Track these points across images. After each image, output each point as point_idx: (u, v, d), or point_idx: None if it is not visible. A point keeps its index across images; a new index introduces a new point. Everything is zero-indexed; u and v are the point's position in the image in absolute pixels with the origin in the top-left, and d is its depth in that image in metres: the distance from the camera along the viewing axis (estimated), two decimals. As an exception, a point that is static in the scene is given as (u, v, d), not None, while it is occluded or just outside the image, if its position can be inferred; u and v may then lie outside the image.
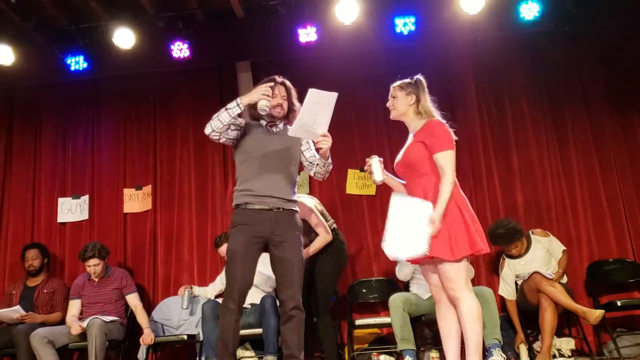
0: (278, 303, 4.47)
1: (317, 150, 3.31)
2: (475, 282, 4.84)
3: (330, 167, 3.41)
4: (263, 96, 3.19)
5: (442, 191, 2.93)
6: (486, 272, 5.21)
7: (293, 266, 3.30)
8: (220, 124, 3.22)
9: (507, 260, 4.78)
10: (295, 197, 3.41)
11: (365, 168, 3.28)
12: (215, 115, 3.24)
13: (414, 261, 3.15)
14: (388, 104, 3.25)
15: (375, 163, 3.22)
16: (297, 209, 3.42)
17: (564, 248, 4.76)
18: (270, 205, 3.28)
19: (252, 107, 3.36)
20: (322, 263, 4.22)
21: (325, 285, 4.23)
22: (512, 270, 4.74)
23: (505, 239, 4.65)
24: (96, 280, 4.92)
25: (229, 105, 3.21)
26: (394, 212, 3.01)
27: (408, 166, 3.12)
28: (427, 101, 3.17)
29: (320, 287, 4.25)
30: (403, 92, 3.18)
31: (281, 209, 3.31)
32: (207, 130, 3.26)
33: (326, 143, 3.23)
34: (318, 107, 3.11)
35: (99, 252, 4.87)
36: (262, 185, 3.29)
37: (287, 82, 3.49)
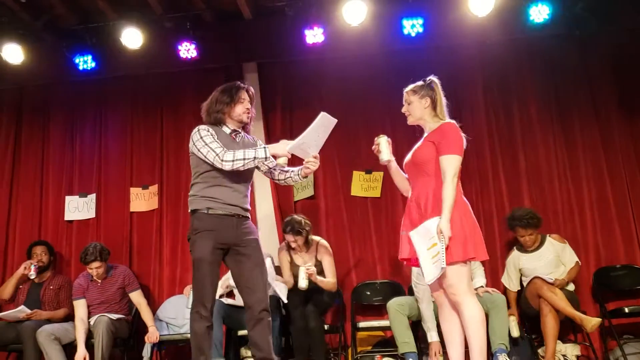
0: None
1: (304, 169, 3.35)
2: (495, 286, 4.83)
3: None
4: (287, 154, 3.23)
5: (444, 198, 2.90)
6: (492, 275, 5.17)
7: (259, 270, 3.34)
8: (243, 168, 3.25)
9: (514, 252, 4.79)
10: (248, 206, 3.45)
11: (373, 147, 3.26)
12: (239, 157, 3.20)
13: (413, 263, 3.15)
14: (403, 110, 3.20)
15: (383, 142, 3.21)
16: (249, 215, 3.46)
17: (577, 260, 4.73)
18: (232, 212, 3.32)
19: (218, 111, 3.39)
20: (319, 296, 4.61)
21: (320, 310, 4.57)
22: (515, 264, 4.76)
23: (521, 220, 4.66)
24: (99, 281, 4.92)
25: (258, 155, 3.20)
26: (417, 247, 2.97)
27: (415, 165, 3.10)
28: (443, 103, 3.14)
29: (314, 308, 4.51)
30: (417, 96, 3.13)
31: (240, 216, 3.35)
32: (227, 167, 3.22)
33: (315, 165, 3.30)
34: (320, 130, 3.16)
35: (100, 255, 4.83)
36: (225, 193, 3.31)
37: (251, 89, 3.53)
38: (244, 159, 3.21)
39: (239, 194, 3.36)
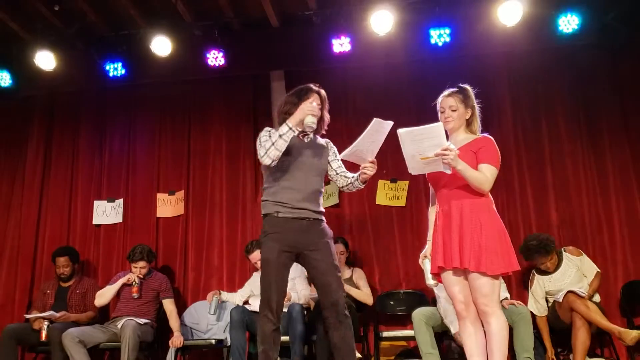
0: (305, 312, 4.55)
1: (362, 174, 3.30)
2: (519, 299, 4.75)
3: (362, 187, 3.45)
4: (310, 112, 3.19)
5: (474, 171, 2.93)
6: (517, 287, 5.11)
7: (330, 272, 3.30)
8: (279, 152, 3.20)
9: (537, 276, 4.69)
10: (323, 209, 3.43)
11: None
12: (269, 146, 3.18)
13: (438, 272, 3.13)
14: (446, 116, 3.14)
15: (427, 266, 3.18)
16: (324, 218, 3.43)
17: (598, 270, 4.63)
18: (301, 215, 3.30)
19: (286, 112, 3.37)
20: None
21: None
22: (541, 287, 4.66)
23: (539, 250, 4.55)
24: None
25: (281, 132, 3.17)
26: (407, 143, 2.94)
27: (454, 173, 3.01)
28: (477, 115, 3.16)
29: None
30: (463, 106, 3.12)
31: (311, 219, 3.33)
32: (267, 161, 3.22)
33: (372, 170, 3.24)
34: (374, 135, 3.10)
35: (147, 256, 5.06)
36: (293, 196, 3.30)
37: (323, 92, 3.49)
38: (273, 143, 3.18)
39: (308, 194, 3.32)
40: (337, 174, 3.49)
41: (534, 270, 4.75)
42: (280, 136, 3.18)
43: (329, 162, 3.49)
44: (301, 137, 3.42)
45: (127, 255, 5.13)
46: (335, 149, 3.56)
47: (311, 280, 3.44)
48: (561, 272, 4.61)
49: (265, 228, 3.34)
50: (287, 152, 3.29)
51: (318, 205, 3.38)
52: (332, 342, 3.31)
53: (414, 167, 3.00)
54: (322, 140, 3.54)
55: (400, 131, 2.91)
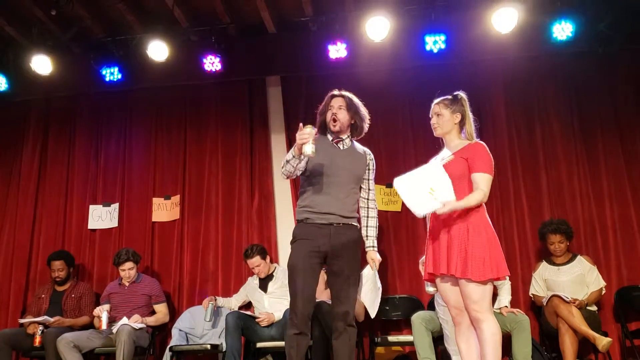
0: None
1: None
2: (513, 303, 4.76)
3: None
4: (300, 142, 3.15)
5: (470, 196, 2.93)
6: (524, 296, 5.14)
7: (348, 281, 3.35)
8: (289, 173, 3.33)
9: (543, 263, 4.84)
10: (355, 214, 3.46)
11: None
12: (282, 164, 3.33)
13: (430, 278, 3.15)
14: (432, 122, 3.20)
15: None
16: (357, 224, 3.47)
17: (603, 286, 4.70)
18: (329, 220, 3.34)
19: (318, 121, 3.49)
20: None
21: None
22: (542, 275, 4.78)
23: (553, 225, 4.74)
24: (127, 284, 5.10)
25: (287, 157, 3.29)
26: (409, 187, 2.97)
27: (452, 176, 3.03)
28: (471, 120, 3.17)
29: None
30: (449, 110, 3.15)
31: (340, 224, 3.37)
32: (283, 177, 3.42)
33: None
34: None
35: (132, 256, 5.10)
36: (322, 202, 3.34)
37: (345, 93, 3.53)
38: (285, 163, 3.30)
39: (339, 201, 3.33)
40: (363, 189, 3.53)
41: (544, 259, 4.87)
42: (287, 161, 3.28)
43: (364, 174, 3.52)
44: (335, 144, 3.45)
45: (113, 261, 5.15)
46: (374, 163, 3.57)
47: (329, 284, 3.47)
48: (566, 269, 4.72)
49: (293, 233, 3.41)
50: (320, 159, 3.33)
51: (348, 211, 3.39)
52: (334, 347, 3.36)
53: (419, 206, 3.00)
54: (360, 148, 3.55)
55: (396, 183, 2.96)
